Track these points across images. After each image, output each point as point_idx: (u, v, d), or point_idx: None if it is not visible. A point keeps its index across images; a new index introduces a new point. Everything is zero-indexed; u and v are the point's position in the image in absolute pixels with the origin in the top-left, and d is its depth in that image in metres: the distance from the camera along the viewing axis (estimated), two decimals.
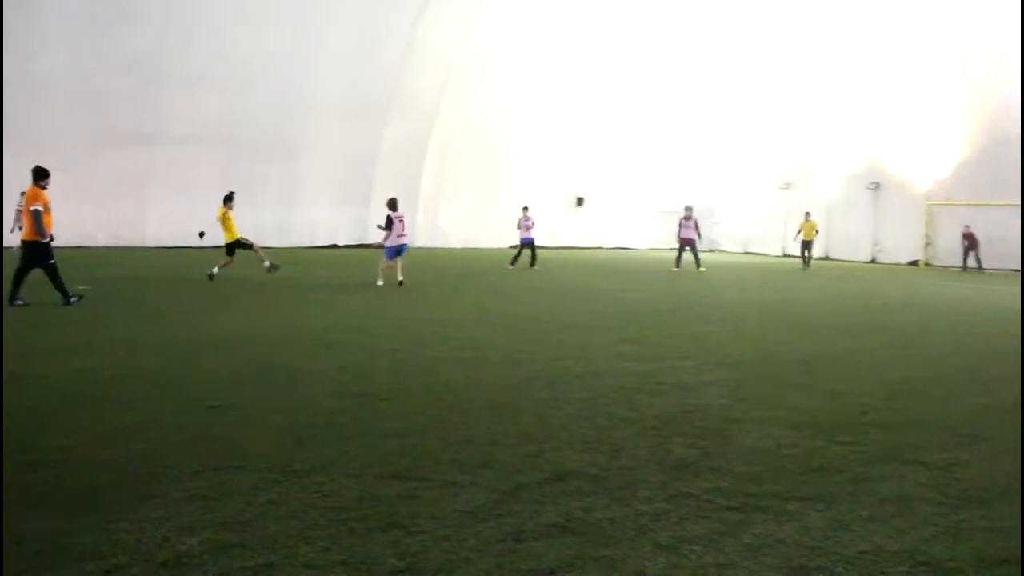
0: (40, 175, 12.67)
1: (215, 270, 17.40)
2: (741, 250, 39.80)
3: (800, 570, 3.82)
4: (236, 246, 17.84)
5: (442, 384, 7.72)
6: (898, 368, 9.32)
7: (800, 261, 29.96)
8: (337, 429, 5.99)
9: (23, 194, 14.95)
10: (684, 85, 39.26)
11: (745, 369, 8.86)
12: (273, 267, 17.72)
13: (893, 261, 33.14)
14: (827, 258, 35.72)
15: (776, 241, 37.97)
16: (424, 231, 34.37)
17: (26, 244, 12.72)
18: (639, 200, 40.92)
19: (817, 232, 30.00)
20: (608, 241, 40.34)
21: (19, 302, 12.34)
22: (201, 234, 18.23)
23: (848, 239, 35.44)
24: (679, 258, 25.93)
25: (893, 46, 32.62)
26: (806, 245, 29.67)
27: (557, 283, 19.76)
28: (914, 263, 32.50)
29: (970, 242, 30.00)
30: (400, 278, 17.13)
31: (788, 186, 37.68)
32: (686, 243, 25.88)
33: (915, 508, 4.69)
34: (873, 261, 34.15)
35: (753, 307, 15.86)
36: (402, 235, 17.48)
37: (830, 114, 35.35)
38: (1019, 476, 5.30)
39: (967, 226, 30.15)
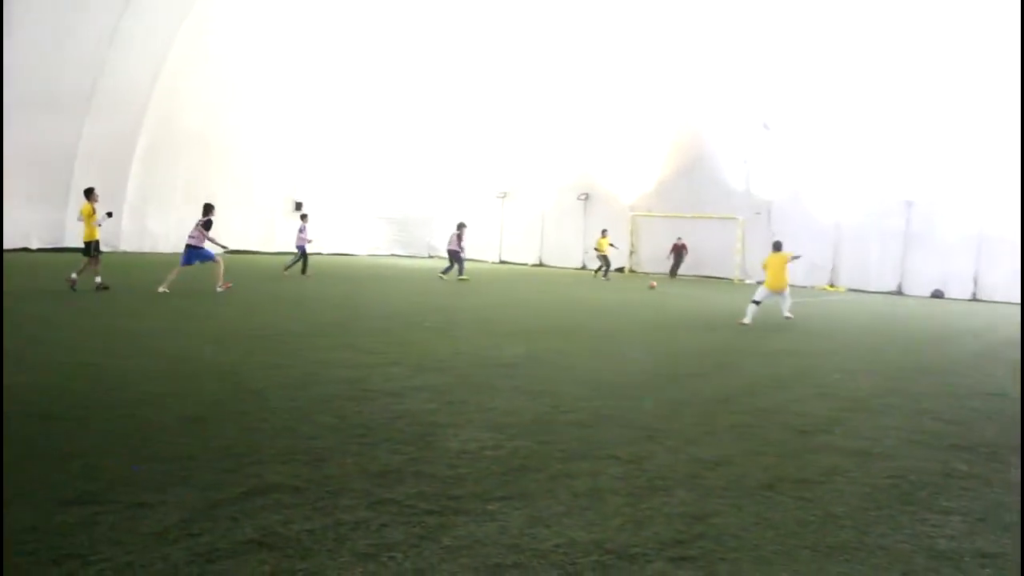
0: None
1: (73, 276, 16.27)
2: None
3: (496, 568, 3.92)
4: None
5: (138, 399, 7.20)
6: (599, 369, 9.91)
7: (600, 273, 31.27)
8: (9, 452, 5.40)
9: None
10: (403, 93, 39.60)
11: (455, 373, 9.03)
12: None
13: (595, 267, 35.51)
14: (541, 264, 37.55)
15: (494, 248, 39.33)
16: (132, 235, 31.98)
17: None
18: (358, 206, 40.70)
19: (612, 246, 31.38)
20: (326, 247, 39.75)
21: None
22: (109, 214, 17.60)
23: (561, 247, 37.50)
24: (450, 269, 25.89)
25: (602, 68, 35.03)
26: (603, 259, 31.05)
27: (272, 291, 19.18)
28: (620, 270, 34.91)
29: (678, 253, 32.87)
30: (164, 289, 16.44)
31: (505, 195, 39.15)
32: (453, 255, 26.04)
33: (606, 500, 4.98)
34: (583, 267, 36.31)
35: (468, 312, 16.28)
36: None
37: (544, 128, 37.26)
38: (701, 464, 5.80)
39: (679, 238, 32.94)
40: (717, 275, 32.75)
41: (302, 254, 24.21)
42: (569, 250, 37.23)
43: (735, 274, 32.48)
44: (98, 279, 16.42)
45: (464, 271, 25.70)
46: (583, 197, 36.73)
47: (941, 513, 5.09)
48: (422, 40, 38.51)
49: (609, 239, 30.96)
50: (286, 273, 23.81)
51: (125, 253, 30.51)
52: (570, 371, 9.63)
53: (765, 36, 31.16)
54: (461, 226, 26.60)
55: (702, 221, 32.92)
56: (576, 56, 35.66)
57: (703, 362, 10.99)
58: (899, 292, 28.96)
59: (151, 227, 33.29)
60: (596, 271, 31.52)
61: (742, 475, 5.63)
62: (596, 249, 31.32)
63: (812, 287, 29.14)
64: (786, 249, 16.93)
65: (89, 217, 16.75)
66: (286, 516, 4.47)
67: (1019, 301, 25.75)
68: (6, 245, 28.49)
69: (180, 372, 8.49)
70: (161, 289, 16.28)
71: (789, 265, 16.57)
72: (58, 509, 4.43)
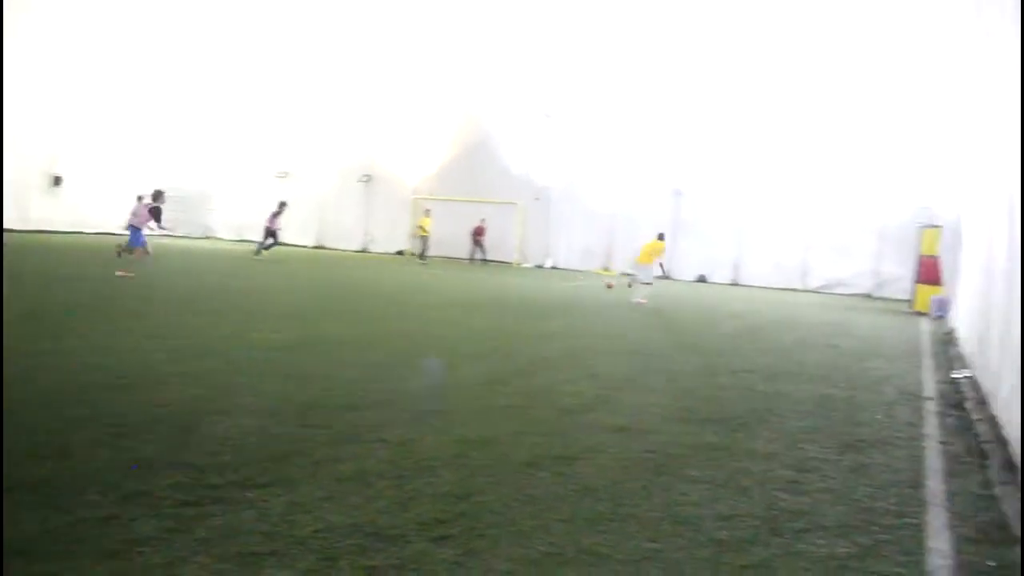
0: None
1: None
2: (237, 237, 39.37)
3: (252, 557, 3.83)
4: None
5: None
6: (374, 352, 9.88)
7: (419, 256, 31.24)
8: None
9: None
10: (176, 62, 37.66)
11: (224, 358, 8.73)
12: None
13: (383, 251, 35.38)
14: (321, 247, 36.91)
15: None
16: None
17: None
18: (127, 181, 38.20)
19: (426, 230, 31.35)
20: (92, 225, 37.12)
21: None
22: None
23: (342, 229, 37.01)
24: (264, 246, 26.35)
25: (386, 50, 34.84)
26: (423, 240, 31.17)
27: (24, 271, 17.74)
28: (401, 252, 35.01)
29: (478, 235, 33.16)
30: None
31: (285, 175, 38.12)
32: (270, 232, 26.63)
33: (371, 484, 4.98)
34: (365, 250, 36.06)
35: (242, 295, 15.76)
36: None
37: (326, 108, 36.59)
38: (468, 444, 5.93)
39: (482, 220, 33.14)
40: (497, 259, 33.40)
41: (269, 235, 25.98)
42: (350, 232, 36.84)
43: (514, 258, 33.31)
44: None
45: (262, 251, 25.99)
46: (365, 179, 36.43)
47: (689, 482, 5.47)
48: (197, 3, 36.75)
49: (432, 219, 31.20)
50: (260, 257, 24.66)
51: None
52: (344, 355, 9.54)
53: (548, 26, 32.09)
54: (282, 204, 27.05)
55: (483, 205, 33.46)
56: (359, 36, 35.26)
57: (479, 345, 11.20)
58: (667, 277, 30.69)
59: None
60: (421, 254, 31.40)
61: (507, 454, 5.80)
62: (420, 227, 31.24)
63: (587, 271, 30.40)
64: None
65: None
66: (23, 517, 4.16)
67: (778, 287, 28.15)
68: None
69: None
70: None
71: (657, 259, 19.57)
72: None
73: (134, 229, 18.00)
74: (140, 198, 20.28)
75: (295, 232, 36.18)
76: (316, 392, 7.38)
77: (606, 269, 31.47)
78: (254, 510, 4.43)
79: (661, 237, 20.19)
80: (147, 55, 36.63)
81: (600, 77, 31.78)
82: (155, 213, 18.26)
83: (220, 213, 39.90)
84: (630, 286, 20.00)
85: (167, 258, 24.15)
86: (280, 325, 11.68)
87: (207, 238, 39.46)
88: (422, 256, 31.20)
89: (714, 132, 30.00)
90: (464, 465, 5.47)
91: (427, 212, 31.99)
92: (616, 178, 31.79)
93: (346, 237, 36.87)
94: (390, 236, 35.95)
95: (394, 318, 13.89)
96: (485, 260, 32.90)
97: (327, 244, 37.23)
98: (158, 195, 18.73)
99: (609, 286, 22.04)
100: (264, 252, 26.01)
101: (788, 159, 28.91)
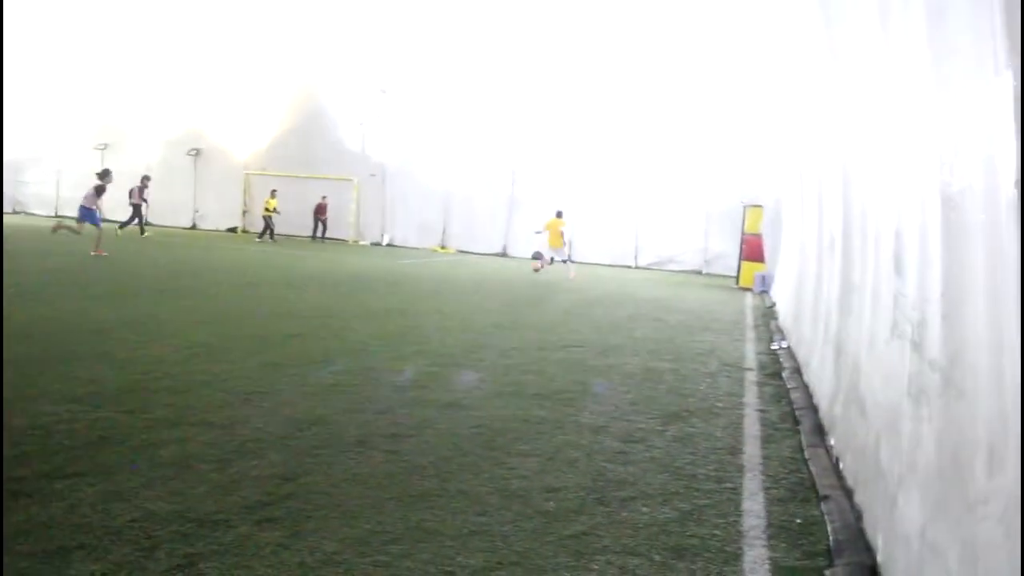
0: None
1: None
2: (53, 213, 37.02)
3: (60, 551, 3.64)
4: None
5: None
6: (198, 332, 9.52)
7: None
8: None
9: None
10: None
11: (32, 342, 8.17)
12: None
13: (214, 227, 34.07)
14: (148, 224, 35.16)
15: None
16: None
17: None
18: None
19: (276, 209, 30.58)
20: None
21: None
22: None
23: (168, 205, 35.32)
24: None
25: (214, 19, 33.37)
26: (267, 219, 30.26)
27: None
28: (232, 230, 33.84)
29: (319, 212, 32.25)
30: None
31: (105, 147, 36.04)
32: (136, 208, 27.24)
33: (193, 469, 4.82)
34: (194, 227, 34.65)
35: (53, 273, 14.83)
36: None
37: (148, 75, 34.74)
38: (296, 425, 5.82)
39: (324, 197, 32.23)
40: (334, 237, 32.80)
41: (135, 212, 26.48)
42: (178, 209, 35.23)
43: (351, 235, 32.83)
44: None
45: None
46: (193, 152, 34.93)
47: (518, 456, 5.57)
48: None
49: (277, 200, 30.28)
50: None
51: None
52: (165, 336, 9.14)
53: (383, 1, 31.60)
54: (145, 179, 27.39)
55: (317, 182, 32.71)
56: (185, 3, 33.64)
57: (307, 324, 10.98)
58: (504, 254, 31.06)
59: None
60: (265, 233, 30.26)
61: (336, 434, 5.74)
62: (265, 207, 30.15)
63: (423, 248, 30.31)
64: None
65: None
66: None
67: (611, 263, 28.99)
68: None
69: None
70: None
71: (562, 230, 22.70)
72: None
73: (85, 210, 19.87)
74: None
75: (117, 208, 34.44)
76: (135, 376, 7.05)
77: (443, 247, 31.47)
78: (64, 502, 4.20)
79: (559, 215, 23.42)
80: None
81: (437, 52, 31.56)
82: (99, 191, 20.16)
83: (33, 186, 37.35)
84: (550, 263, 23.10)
85: None
86: (93, 306, 11.09)
87: (18, 213, 36.90)
88: (271, 235, 30.27)
89: (550, 110, 30.38)
90: (291, 446, 5.37)
91: (273, 193, 30.96)
92: (452, 156, 31.75)
93: (173, 213, 35.22)
94: (221, 212, 34.63)
95: (214, 297, 13.42)
96: (324, 238, 32.26)
97: (153, 221, 35.46)
98: (104, 174, 20.93)
99: (536, 269, 23.47)
100: (120, 231, 25.73)
101: (622, 136, 29.66)
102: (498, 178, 31.26)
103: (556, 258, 23.35)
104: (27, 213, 36.72)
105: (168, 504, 4.26)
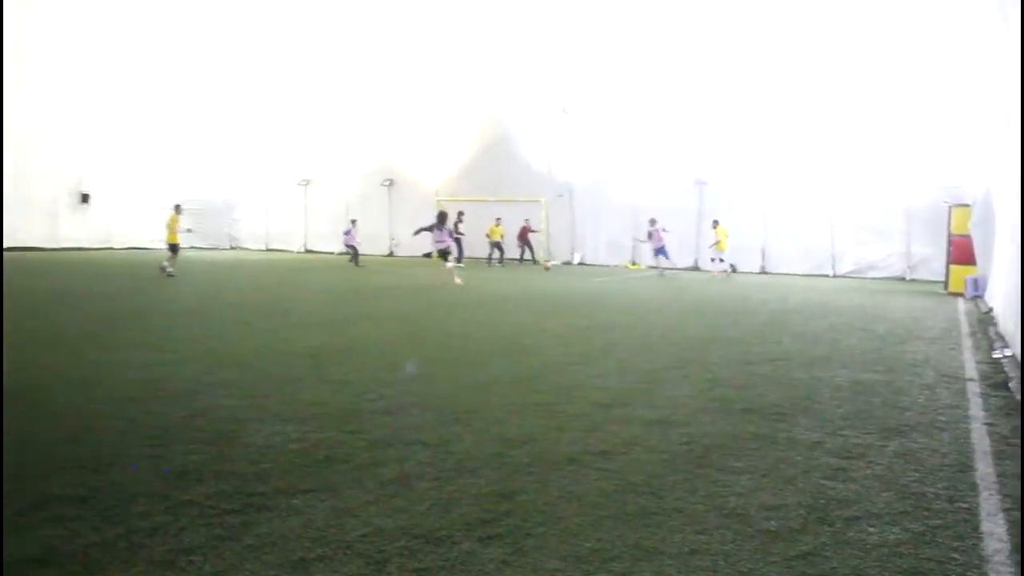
0: None
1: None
2: (263, 247, 39.67)
3: (301, 563, 3.86)
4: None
5: None
6: (405, 355, 9.90)
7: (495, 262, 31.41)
8: None
9: None
10: (198, 75, 38.03)
11: (256, 367, 8.79)
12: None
13: (408, 254, 35.37)
14: (347, 252, 37.03)
15: (298, 237, 38.56)
16: None
17: None
18: (153, 195, 38.67)
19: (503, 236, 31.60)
20: (120, 240, 37.61)
21: None
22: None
23: (366, 234, 37.04)
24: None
25: (403, 53, 34.90)
26: (495, 246, 31.24)
27: (48, 288, 17.98)
28: (428, 255, 34.98)
29: (524, 235, 32.96)
30: None
31: (308, 183, 38.32)
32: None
33: (413, 486, 5.00)
34: (391, 255, 36.15)
35: (269, 304, 15.86)
36: None
37: (345, 114, 36.69)
38: (507, 443, 5.93)
39: (526, 220, 33.02)
40: (524, 258, 33.28)
41: (354, 251, 27.90)
42: (376, 237, 36.88)
43: (541, 256, 33.24)
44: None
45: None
46: (387, 183, 36.51)
47: (732, 473, 5.44)
48: (216, 17, 37.08)
49: (503, 227, 31.48)
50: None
51: None
52: (375, 358, 9.58)
53: (562, 20, 32.01)
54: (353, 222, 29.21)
55: (506, 204, 33.34)
56: (376, 40, 35.33)
57: (509, 344, 11.19)
58: (696, 268, 30.55)
59: None
60: (489, 260, 31.32)
61: (546, 451, 5.80)
62: (489, 234, 31.23)
63: (614, 265, 30.23)
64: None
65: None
66: (71, 529, 4.22)
67: (808, 273, 28.00)
68: None
69: None
70: None
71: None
72: None
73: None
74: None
75: (324, 239, 36.49)
76: (350, 397, 7.41)
77: (633, 263, 31.32)
78: (300, 516, 4.46)
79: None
80: (167, 71, 37.00)
81: (617, 69, 31.59)
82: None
83: (245, 223, 40.22)
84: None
85: (190, 272, 24.38)
86: (307, 333, 11.75)
87: (233, 248, 39.79)
88: (500, 260, 31.19)
89: (736, 118, 29.67)
90: (505, 464, 5.48)
91: (498, 220, 31.82)
92: (639, 170, 31.60)
93: (371, 242, 36.91)
94: (415, 239, 35.96)
95: (419, 321, 13.90)
96: (524, 260, 32.80)
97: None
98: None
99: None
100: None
101: (811, 143, 28.61)
102: (685, 190, 30.78)
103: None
104: (241, 248, 39.47)
105: (394, 520, 4.43)
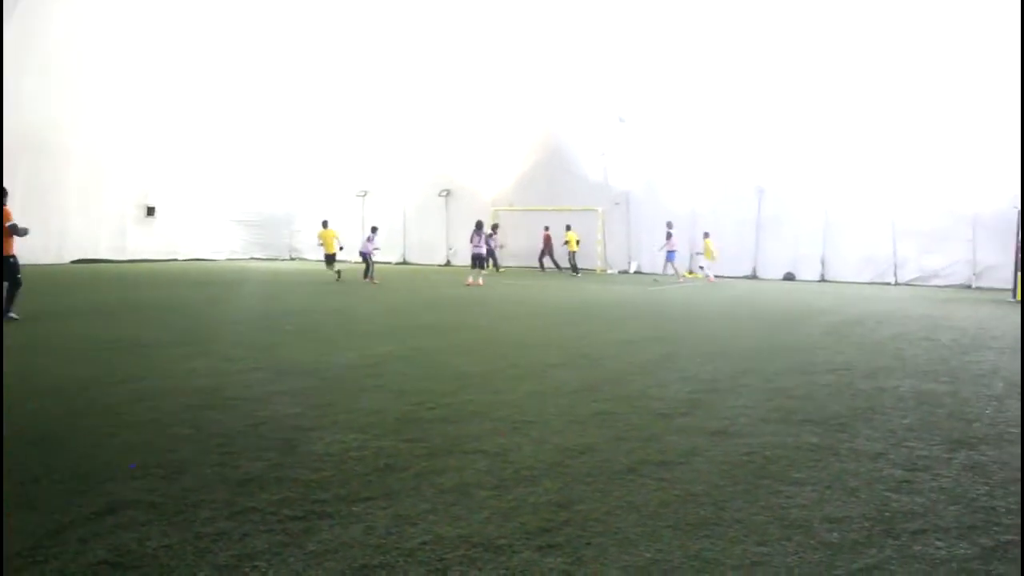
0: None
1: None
2: (322, 257, 40.13)
3: (363, 569, 3.91)
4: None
5: None
6: (465, 364, 9.96)
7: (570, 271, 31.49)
8: None
9: None
10: (257, 90, 38.77)
11: (318, 376, 8.91)
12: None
13: (465, 263, 35.45)
14: (405, 262, 37.37)
15: (356, 248, 38.97)
16: None
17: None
18: (214, 208, 39.56)
19: (578, 242, 31.65)
20: (183, 252, 38.55)
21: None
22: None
23: (424, 244, 37.40)
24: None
25: (459, 63, 35.20)
26: (572, 256, 31.38)
27: (124, 298, 18.43)
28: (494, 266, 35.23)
29: (545, 244, 33.11)
30: None
31: (365, 194, 38.77)
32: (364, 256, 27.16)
33: (473, 495, 5.02)
34: (448, 264, 36.37)
35: (331, 314, 16.08)
36: None
37: (402, 125, 37.08)
38: (566, 452, 5.93)
39: (546, 228, 33.16)
40: (581, 266, 33.24)
41: (365, 260, 26.20)
42: (433, 247, 37.20)
43: (598, 264, 33.18)
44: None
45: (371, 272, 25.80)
46: (444, 193, 36.77)
47: (793, 484, 5.36)
48: (275, 34, 37.78)
49: (576, 233, 31.48)
50: (372, 281, 24.93)
51: None
52: (435, 368, 9.65)
53: (616, 29, 31.95)
54: (374, 229, 27.86)
55: (563, 213, 33.37)
56: (432, 51, 35.68)
57: (567, 353, 11.18)
58: (754, 276, 30.21)
59: None
60: (571, 269, 31.43)
61: (606, 461, 5.78)
62: (568, 242, 31.41)
63: (670, 275, 29.91)
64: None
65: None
66: (141, 533, 4.32)
67: (869, 281, 27.47)
68: None
69: (21, 388, 8.06)
70: None
71: None
72: None
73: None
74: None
75: (381, 249, 36.66)
76: (410, 406, 7.47)
77: (690, 271, 31.07)
78: (361, 524, 4.51)
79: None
80: (227, 86, 37.80)
81: (674, 76, 31.44)
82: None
83: (305, 234, 40.84)
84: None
85: (255, 282, 24.77)
86: (368, 342, 11.88)
87: (293, 259, 40.42)
88: (574, 269, 31.32)
89: (796, 123, 29.32)
90: (564, 473, 5.47)
91: (569, 227, 31.95)
92: (696, 177, 31.37)
93: (429, 252, 37.25)
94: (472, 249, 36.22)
95: (480, 329, 13.97)
96: (559, 268, 32.91)
97: (410, 260, 37.67)
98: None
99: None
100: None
101: (873, 148, 28.15)
102: (744, 197, 30.48)
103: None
104: (301, 258, 40.06)
105: (453, 528, 4.46)
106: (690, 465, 5.73)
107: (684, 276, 29.53)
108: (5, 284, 13.23)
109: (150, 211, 36.91)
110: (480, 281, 23.90)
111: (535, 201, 34.24)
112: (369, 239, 26.77)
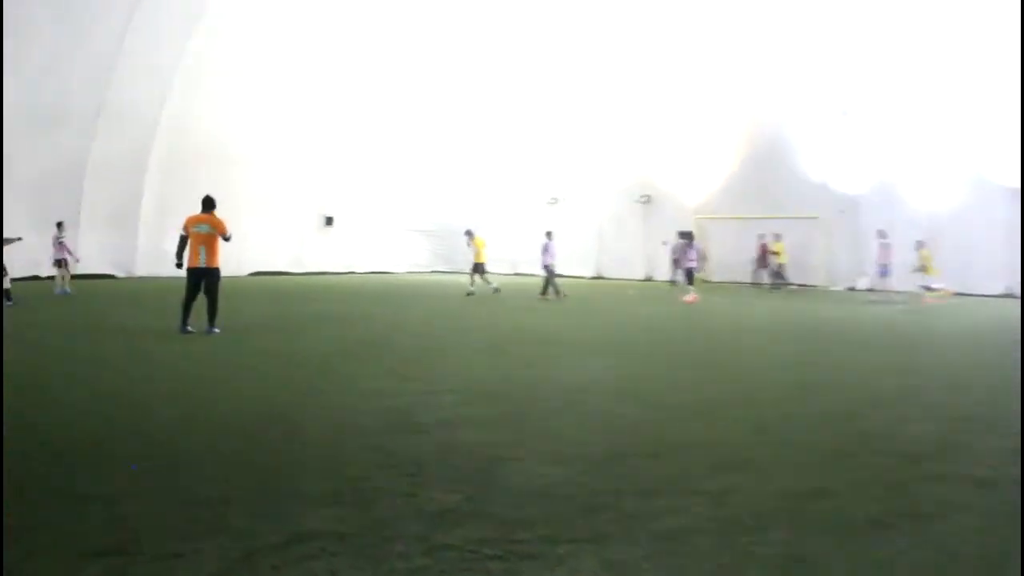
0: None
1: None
2: (510, 271, 40.71)
3: None
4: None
5: (157, 428, 7.24)
6: (676, 392, 9.75)
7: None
8: (22, 496, 5.42)
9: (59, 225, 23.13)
10: (440, 97, 39.89)
11: (513, 400, 8.96)
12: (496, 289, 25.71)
13: (666, 279, 34.99)
14: (600, 277, 37.34)
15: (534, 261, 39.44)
16: (147, 256, 32.40)
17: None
18: (394, 220, 40.99)
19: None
20: (362, 265, 40.17)
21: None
22: None
23: (620, 257, 37.18)
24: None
25: (660, 59, 34.85)
26: (779, 267, 31.58)
27: (312, 312, 19.34)
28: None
29: (761, 256, 32.52)
30: None
31: (556, 201, 39.04)
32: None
33: (690, 542, 4.85)
34: (649, 279, 36.03)
35: (522, 331, 16.22)
36: None
37: (597, 127, 37.08)
38: (797, 497, 5.64)
39: (762, 236, 32.48)
40: (799, 282, 32.08)
41: (549, 273, 25.38)
42: (630, 260, 36.91)
43: (820, 280, 31.87)
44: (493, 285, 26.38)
45: (550, 289, 25.35)
46: (644, 199, 36.45)
47: None
48: (459, 42, 38.76)
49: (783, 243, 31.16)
50: (544, 297, 24.87)
51: (141, 278, 31.05)
52: (642, 395, 9.49)
53: (833, 14, 30.50)
54: (549, 234, 26.51)
55: (776, 221, 32.20)
56: (631, 47, 35.48)
57: (787, 381, 10.76)
58: (1009, 294, 27.67)
59: (169, 248, 33.61)
60: (782, 283, 31.23)
61: (843, 509, 5.46)
62: (775, 252, 31.07)
63: (907, 292, 27.68)
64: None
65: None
66: (332, 565, 4.43)
67: None
68: (18, 273, 28.92)
69: (197, 397, 8.53)
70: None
71: None
72: (82, 562, 4.41)
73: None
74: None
75: (572, 262, 36.80)
76: (616, 437, 7.38)
77: (931, 289, 28.95)
78: (565, 567, 4.44)
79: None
80: (404, 93, 39.09)
81: (900, 61, 29.46)
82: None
83: (489, 247, 41.49)
84: None
85: (436, 297, 25.37)
86: (567, 364, 11.89)
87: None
88: (776, 284, 30.75)
89: None
90: (796, 522, 5.20)
91: (777, 236, 31.41)
92: (935, 179, 29.19)
93: (626, 266, 37.00)
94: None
95: (685, 354, 13.71)
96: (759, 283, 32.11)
97: (605, 274, 37.59)
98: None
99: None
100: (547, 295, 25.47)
101: None
102: (995, 197, 27.94)
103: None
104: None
105: None
106: (951, 520, 5.30)
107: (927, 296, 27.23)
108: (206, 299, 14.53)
109: (328, 221, 38.74)
110: (695, 297, 24.04)
111: (745, 208, 33.23)
112: (546, 248, 25.71)
